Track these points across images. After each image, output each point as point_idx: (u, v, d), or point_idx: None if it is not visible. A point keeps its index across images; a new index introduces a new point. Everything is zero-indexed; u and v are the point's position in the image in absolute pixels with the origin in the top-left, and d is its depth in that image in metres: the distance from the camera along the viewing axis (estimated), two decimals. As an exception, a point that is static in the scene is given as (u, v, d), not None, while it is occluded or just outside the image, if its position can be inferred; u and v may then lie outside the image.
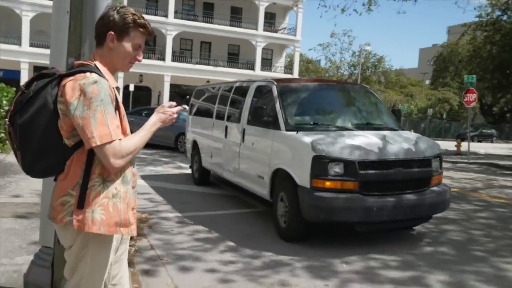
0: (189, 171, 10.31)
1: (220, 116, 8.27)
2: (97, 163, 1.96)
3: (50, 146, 1.93)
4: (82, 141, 1.91)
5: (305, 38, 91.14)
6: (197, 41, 37.09)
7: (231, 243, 5.56)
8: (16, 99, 1.96)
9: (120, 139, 1.90)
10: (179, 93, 35.66)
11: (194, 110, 10.36)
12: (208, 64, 36.04)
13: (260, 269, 4.75)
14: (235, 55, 38.64)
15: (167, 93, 33.84)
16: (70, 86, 1.88)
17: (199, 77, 34.80)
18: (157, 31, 34.26)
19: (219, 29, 35.31)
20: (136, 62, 2.13)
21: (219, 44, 37.18)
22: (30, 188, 7.51)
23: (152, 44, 35.40)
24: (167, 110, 2.14)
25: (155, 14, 34.20)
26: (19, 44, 29.39)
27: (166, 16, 33.43)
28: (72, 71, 1.96)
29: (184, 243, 5.52)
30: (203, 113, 9.62)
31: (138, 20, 2.02)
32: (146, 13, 33.03)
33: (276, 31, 38.94)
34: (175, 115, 2.16)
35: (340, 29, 64.54)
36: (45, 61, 25.42)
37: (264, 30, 36.82)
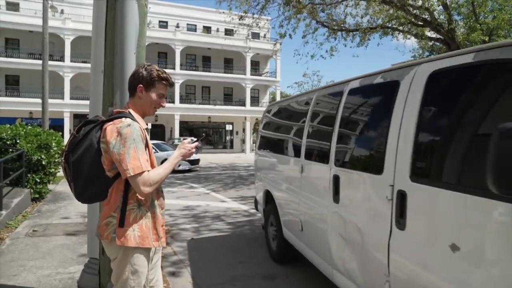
0: (201, 188, 9.96)
1: (316, 155, 3.45)
2: (134, 191, 1.97)
3: (96, 177, 1.96)
4: (119, 174, 1.94)
5: (284, 78, 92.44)
6: (199, 86, 37.34)
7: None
8: (69, 141, 2.01)
9: (148, 171, 1.92)
10: (186, 128, 35.78)
11: (263, 141, 5.58)
12: (209, 104, 36.22)
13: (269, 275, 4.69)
14: (229, 95, 38.93)
15: (178, 129, 33.89)
16: (110, 129, 1.91)
17: (202, 114, 34.94)
18: (167, 80, 34.54)
19: (215, 76, 35.68)
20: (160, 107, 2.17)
21: (216, 88, 37.50)
22: (76, 211, 7.46)
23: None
24: (187, 146, 2.16)
25: (165, 67, 34.54)
26: (62, 98, 30.05)
27: (174, 68, 33.78)
28: (111, 118, 2.00)
29: (199, 249, 5.47)
30: (277, 147, 4.81)
31: (161, 75, 2.07)
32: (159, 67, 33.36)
33: (260, 75, 39.45)
34: (194, 150, 2.17)
35: (311, 70, 65.62)
36: (83, 110, 25.55)
37: (251, 74, 37.30)
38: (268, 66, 41.01)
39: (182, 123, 34.82)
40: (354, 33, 14.12)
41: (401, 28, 13.82)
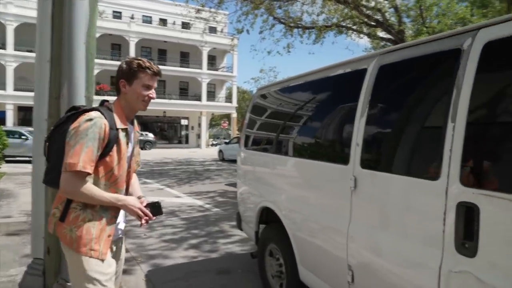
0: (155, 183, 9.59)
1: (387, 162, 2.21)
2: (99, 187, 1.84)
3: (59, 163, 1.79)
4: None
5: (241, 74, 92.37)
6: (154, 80, 36.52)
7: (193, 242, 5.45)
8: (55, 124, 1.96)
9: (89, 173, 1.75)
10: (141, 122, 34.68)
11: (258, 138, 4.11)
12: (164, 98, 35.44)
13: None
14: (185, 89, 38.36)
15: (132, 123, 32.98)
16: (78, 119, 1.81)
17: (156, 109, 34.10)
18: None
19: (171, 69, 34.94)
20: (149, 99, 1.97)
21: (172, 82, 36.77)
22: (19, 209, 7.01)
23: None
24: (138, 209, 1.90)
25: (119, 60, 33.35)
26: (4, 89, 28.18)
27: (127, 60, 32.82)
28: (91, 108, 1.89)
29: (154, 245, 5.37)
30: (293, 148, 3.24)
31: (142, 64, 1.89)
32: (111, 60, 32.21)
33: (217, 70, 39.18)
34: (139, 217, 1.91)
35: (268, 66, 65.96)
36: (28, 102, 24.21)
37: (208, 69, 36.96)
38: (225, 61, 40.84)
39: (135, 117, 33.89)
40: (310, 30, 14.38)
41: (354, 27, 14.25)
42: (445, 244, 1.68)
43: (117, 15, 34.99)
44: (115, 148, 1.85)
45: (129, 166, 2.02)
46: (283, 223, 3.18)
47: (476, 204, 1.54)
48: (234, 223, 6.54)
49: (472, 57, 1.68)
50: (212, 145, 41.35)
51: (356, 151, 2.33)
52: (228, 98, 40.57)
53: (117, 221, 1.96)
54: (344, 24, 14.14)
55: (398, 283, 1.94)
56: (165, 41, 34.86)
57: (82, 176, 1.74)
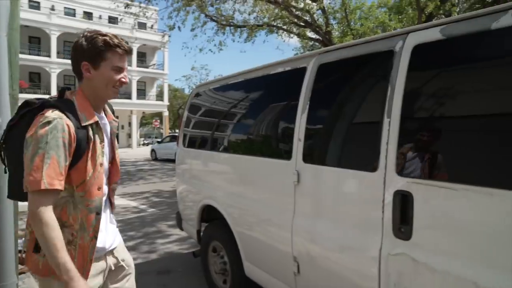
0: None
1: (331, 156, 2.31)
2: (57, 205, 1.45)
3: (21, 174, 1.41)
4: None
5: (172, 71, 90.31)
6: (79, 77, 34.32)
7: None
8: (7, 124, 1.57)
9: (56, 189, 1.37)
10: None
11: (196, 136, 4.06)
12: (90, 96, 33.49)
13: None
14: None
15: (54, 122, 30.68)
16: (35, 121, 1.43)
17: (83, 107, 32.07)
18: (41, 69, 30.90)
19: (98, 66, 33.13)
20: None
21: (99, 79, 34.84)
22: None
23: (37, 81, 31.79)
24: None
25: (39, 54, 30.81)
26: None
27: (49, 56, 30.31)
28: (50, 103, 1.48)
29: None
30: (235, 144, 3.31)
31: (110, 41, 1.50)
32: (29, 54, 29.64)
33: (147, 67, 37.86)
34: None
35: (200, 63, 65.11)
36: None
37: (138, 66, 35.60)
38: (156, 58, 39.64)
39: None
40: (242, 29, 14.49)
41: (285, 27, 14.64)
42: (384, 230, 1.81)
43: (34, 5, 32.20)
44: (88, 150, 1.50)
45: (112, 165, 1.68)
46: (226, 220, 3.18)
47: (410, 192, 1.69)
48: (171, 222, 6.41)
49: (403, 58, 1.82)
50: (144, 144, 40.01)
51: (298, 146, 2.41)
52: (159, 96, 39.46)
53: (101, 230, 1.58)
54: (275, 24, 14.46)
55: (342, 270, 2.06)
56: (90, 36, 32.86)
57: (49, 195, 1.36)
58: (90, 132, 1.51)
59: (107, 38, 1.50)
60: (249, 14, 14.21)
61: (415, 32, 1.83)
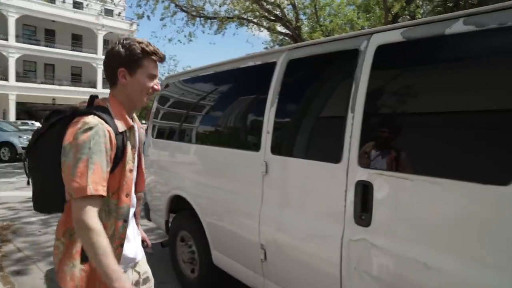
0: None
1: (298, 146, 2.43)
2: (105, 212, 1.47)
3: (53, 184, 1.43)
4: None
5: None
6: (40, 63, 32.76)
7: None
8: (33, 133, 1.54)
9: (102, 196, 1.36)
10: (25, 110, 31.21)
11: (166, 128, 4.07)
12: (53, 84, 32.16)
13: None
14: (78, 75, 35.29)
15: (13, 111, 29.26)
16: (71, 128, 1.41)
17: (45, 95, 30.84)
18: (-3, 53, 29.39)
19: (61, 53, 31.83)
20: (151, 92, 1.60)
21: (62, 66, 33.49)
22: None
23: (-7, 65, 30.24)
24: None
25: (-5, 38, 29.26)
26: None
27: (6, 39, 28.78)
28: (83, 111, 1.47)
29: (51, 242, 4.97)
30: (204, 136, 3.37)
31: (147, 48, 1.51)
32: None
33: (114, 55, 36.77)
34: None
35: (169, 54, 63.85)
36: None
37: (104, 54, 34.47)
38: (123, 47, 38.57)
39: (19, 104, 30.18)
40: (212, 20, 14.40)
41: (255, 20, 14.68)
42: (346, 218, 1.93)
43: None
44: (124, 156, 1.50)
45: (138, 173, 1.67)
46: (195, 211, 3.23)
47: (370, 182, 1.81)
48: (139, 214, 6.35)
49: (367, 57, 1.94)
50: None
51: (266, 138, 2.50)
52: (127, 86, 38.55)
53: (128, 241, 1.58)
54: (245, 17, 14.47)
55: (306, 257, 2.17)
56: (53, 21, 31.47)
57: (95, 201, 1.34)
58: (126, 139, 1.52)
59: (144, 45, 1.52)
60: (220, 6, 14.15)
61: (379, 33, 1.95)
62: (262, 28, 15.35)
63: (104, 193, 1.36)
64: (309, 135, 2.31)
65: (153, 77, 1.56)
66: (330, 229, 2.01)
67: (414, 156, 1.72)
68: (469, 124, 1.56)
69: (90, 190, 1.31)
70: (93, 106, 1.53)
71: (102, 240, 1.30)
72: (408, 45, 1.80)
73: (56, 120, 1.48)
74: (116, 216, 1.49)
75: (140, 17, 13.11)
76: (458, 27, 1.61)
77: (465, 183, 1.49)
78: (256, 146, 2.58)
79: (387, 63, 1.92)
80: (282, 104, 2.46)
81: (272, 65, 2.59)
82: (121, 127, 1.49)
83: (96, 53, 33.61)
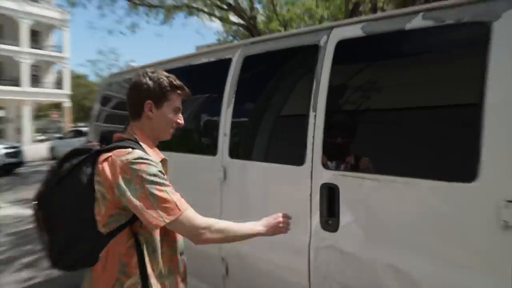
0: None
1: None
2: (155, 248, 1.52)
3: (83, 234, 1.46)
4: (118, 229, 1.48)
5: (75, 55, 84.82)
6: (-50, 58, 30.80)
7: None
8: (46, 179, 1.51)
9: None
10: None
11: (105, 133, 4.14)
12: (-33, 82, 30.31)
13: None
14: (-3, 72, 33.46)
15: None
16: (111, 164, 1.45)
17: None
18: None
19: (-26, 46, 30.05)
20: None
21: (-23, 62, 31.63)
22: None
23: None
24: (285, 221, 1.73)
25: None
26: None
27: None
28: (109, 147, 1.52)
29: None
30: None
31: (174, 82, 1.62)
32: None
33: (41, 49, 35.19)
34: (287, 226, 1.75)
35: (110, 47, 61.83)
36: None
37: (30, 47, 32.86)
38: (54, 39, 36.99)
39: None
40: (158, 9, 14.22)
41: (206, 9, 14.65)
42: (312, 224, 2.02)
43: None
44: None
45: None
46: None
47: (336, 185, 1.91)
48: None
49: (328, 53, 2.05)
50: (40, 141, 37.26)
51: (224, 141, 2.55)
52: (58, 84, 36.99)
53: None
54: (195, 6, 14.41)
55: (272, 267, 2.24)
56: (-36, 9, 29.64)
57: (190, 213, 1.48)
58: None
59: (172, 79, 1.62)
60: (166, -7, 13.99)
61: (339, 28, 2.07)
62: (214, 18, 15.35)
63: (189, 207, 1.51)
64: (270, 136, 2.38)
65: (178, 110, 1.67)
66: (296, 237, 2.09)
67: (381, 155, 1.84)
68: (434, 121, 1.70)
69: (182, 207, 1.46)
70: (121, 139, 1.57)
71: (224, 225, 1.55)
72: (369, 40, 1.92)
73: (79, 162, 1.50)
74: (171, 253, 1.60)
75: (73, 4, 12.68)
76: (418, 22, 1.74)
77: (432, 181, 1.62)
78: (212, 150, 2.62)
79: (348, 59, 2.03)
80: (239, 104, 2.52)
81: (227, 62, 2.65)
82: (155, 159, 1.56)
83: (19, 46, 32.01)
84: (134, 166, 1.43)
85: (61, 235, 1.49)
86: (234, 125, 2.50)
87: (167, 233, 1.57)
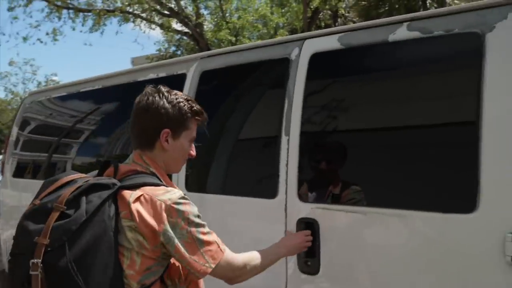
0: None
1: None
2: None
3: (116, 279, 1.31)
4: (153, 284, 1.41)
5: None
6: None
7: None
8: (52, 225, 1.28)
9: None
10: None
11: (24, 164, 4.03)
12: None
13: None
14: None
15: None
16: (150, 205, 1.36)
17: None
18: None
19: None
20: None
21: None
22: None
23: None
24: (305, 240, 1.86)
25: None
26: None
27: None
28: (134, 183, 1.41)
29: None
30: None
31: (195, 108, 1.55)
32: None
33: None
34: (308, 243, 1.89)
35: (22, 57, 59.31)
36: None
37: None
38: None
39: None
40: (86, 14, 14.01)
41: (144, 15, 14.58)
42: (288, 265, 1.98)
43: None
44: None
45: None
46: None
47: (315, 219, 1.89)
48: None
49: (301, 67, 2.05)
50: None
51: (180, 172, 2.48)
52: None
53: None
54: (130, 10, 14.31)
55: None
56: None
57: (230, 256, 1.52)
58: None
59: (192, 103, 1.55)
60: (95, -5, 13.82)
61: (312, 39, 2.09)
62: (153, 25, 15.29)
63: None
64: (234, 165, 2.35)
65: (193, 140, 1.61)
66: (269, 282, 2.04)
67: (366, 185, 1.85)
68: (425, 144, 1.74)
69: (222, 247, 1.49)
70: (136, 172, 1.48)
71: (257, 260, 1.63)
72: (347, 52, 1.96)
73: (102, 201, 1.34)
74: None
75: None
76: (402, 33, 1.79)
77: (428, 213, 1.64)
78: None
79: (325, 74, 2.05)
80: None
81: (181, 77, 2.60)
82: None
83: None
84: (180, 208, 1.39)
85: (90, 283, 1.29)
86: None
87: (196, 283, 1.60)
